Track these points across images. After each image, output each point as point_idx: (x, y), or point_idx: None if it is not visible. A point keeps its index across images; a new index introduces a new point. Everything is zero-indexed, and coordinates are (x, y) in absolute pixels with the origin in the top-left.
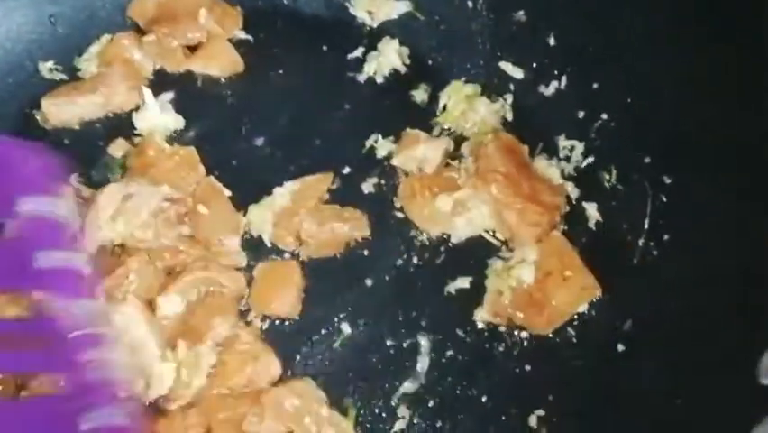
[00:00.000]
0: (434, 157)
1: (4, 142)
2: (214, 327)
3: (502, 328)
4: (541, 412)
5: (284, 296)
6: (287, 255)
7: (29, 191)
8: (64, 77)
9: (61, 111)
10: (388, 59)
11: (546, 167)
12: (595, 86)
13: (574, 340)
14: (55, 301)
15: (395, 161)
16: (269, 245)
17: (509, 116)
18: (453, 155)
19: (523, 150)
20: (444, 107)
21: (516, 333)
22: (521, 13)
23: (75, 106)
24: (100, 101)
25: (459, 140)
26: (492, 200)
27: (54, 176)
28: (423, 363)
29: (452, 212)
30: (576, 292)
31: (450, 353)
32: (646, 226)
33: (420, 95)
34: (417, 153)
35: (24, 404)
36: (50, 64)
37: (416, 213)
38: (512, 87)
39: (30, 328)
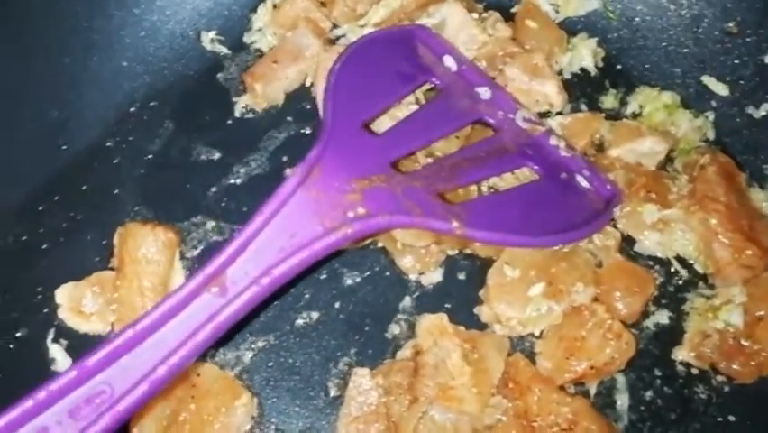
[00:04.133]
0: (659, 152)
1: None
2: (574, 291)
3: (702, 371)
4: None
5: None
6: None
7: (444, 52)
8: (225, 50)
9: (270, 89)
10: (579, 56)
11: (764, 200)
12: None
13: None
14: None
15: (613, 152)
16: None
17: (710, 135)
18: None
19: (741, 177)
20: (634, 114)
21: (717, 377)
22: (732, 24)
23: (282, 81)
24: (303, 67)
25: None
26: (704, 230)
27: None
28: (622, 401)
29: (652, 225)
30: None
31: (649, 394)
32: None
33: (610, 101)
34: (642, 147)
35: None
36: (212, 34)
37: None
38: (714, 103)
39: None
